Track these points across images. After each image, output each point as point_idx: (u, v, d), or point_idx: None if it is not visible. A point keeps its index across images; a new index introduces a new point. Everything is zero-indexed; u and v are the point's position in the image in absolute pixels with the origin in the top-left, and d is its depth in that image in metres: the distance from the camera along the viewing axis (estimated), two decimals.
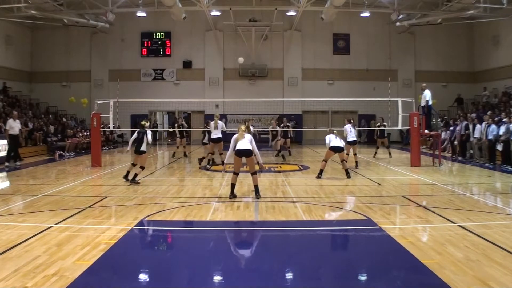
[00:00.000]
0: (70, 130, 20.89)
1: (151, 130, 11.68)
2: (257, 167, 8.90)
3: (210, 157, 14.12)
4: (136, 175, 10.61)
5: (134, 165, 10.87)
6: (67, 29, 26.38)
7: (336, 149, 11.47)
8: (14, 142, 15.36)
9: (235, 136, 8.84)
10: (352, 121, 14.37)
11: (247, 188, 9.97)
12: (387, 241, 5.80)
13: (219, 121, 13.42)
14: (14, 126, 15.32)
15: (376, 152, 17.56)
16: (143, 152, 10.65)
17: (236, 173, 8.81)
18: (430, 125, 15.95)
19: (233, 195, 8.71)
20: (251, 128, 13.64)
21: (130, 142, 10.98)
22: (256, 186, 8.74)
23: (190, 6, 22.83)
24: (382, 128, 17.33)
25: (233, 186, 8.79)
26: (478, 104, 23.14)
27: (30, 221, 6.79)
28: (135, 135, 10.81)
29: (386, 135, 17.73)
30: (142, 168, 10.77)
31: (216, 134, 13.33)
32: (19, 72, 26.18)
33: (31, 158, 17.39)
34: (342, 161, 11.85)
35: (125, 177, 10.77)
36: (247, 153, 8.64)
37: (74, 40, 27.37)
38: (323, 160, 11.65)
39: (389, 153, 17.47)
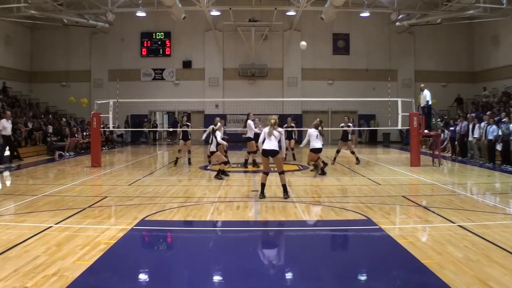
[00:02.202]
0: (69, 129, 20.80)
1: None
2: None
3: (247, 156, 14.29)
4: (223, 171, 11.67)
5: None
6: (66, 29, 26.33)
7: (317, 151, 11.68)
8: (7, 142, 15.07)
9: (265, 130, 8.86)
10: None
11: (247, 188, 9.99)
12: (387, 241, 5.80)
13: (249, 121, 13.69)
14: (7, 126, 14.95)
15: (335, 158, 14.82)
16: (214, 151, 11.56)
17: (265, 173, 8.76)
18: (430, 125, 15.94)
19: (262, 195, 8.61)
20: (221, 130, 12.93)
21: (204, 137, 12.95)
22: (284, 186, 8.70)
23: (190, 6, 22.79)
24: (346, 128, 14.87)
25: (263, 185, 8.69)
26: (478, 104, 23.14)
27: (29, 221, 6.79)
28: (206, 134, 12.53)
29: (350, 138, 15.16)
30: (225, 163, 11.88)
31: (248, 134, 13.66)
32: (19, 72, 26.16)
33: (31, 158, 17.37)
34: (318, 158, 12.01)
35: (217, 176, 11.54)
36: (273, 153, 8.60)
37: (73, 40, 27.33)
38: (311, 161, 11.66)
39: (357, 158, 14.83)
